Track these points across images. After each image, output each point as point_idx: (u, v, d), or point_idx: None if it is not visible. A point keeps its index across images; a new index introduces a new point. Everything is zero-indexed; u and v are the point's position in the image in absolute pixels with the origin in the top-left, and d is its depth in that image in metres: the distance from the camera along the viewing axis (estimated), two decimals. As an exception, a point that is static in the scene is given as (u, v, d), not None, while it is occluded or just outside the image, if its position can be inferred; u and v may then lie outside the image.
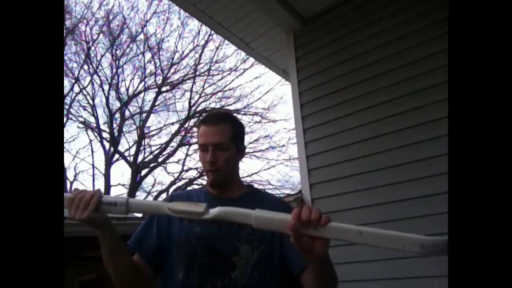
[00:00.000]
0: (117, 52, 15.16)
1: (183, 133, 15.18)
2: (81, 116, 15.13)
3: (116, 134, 15.27)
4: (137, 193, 15.18)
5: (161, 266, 1.17)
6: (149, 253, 1.17)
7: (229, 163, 1.19)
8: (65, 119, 14.20)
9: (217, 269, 1.07)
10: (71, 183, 15.33)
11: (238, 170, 1.28)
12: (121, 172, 27.12)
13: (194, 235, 1.12)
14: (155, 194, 15.24)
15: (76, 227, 4.78)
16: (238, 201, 1.16)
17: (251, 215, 0.87)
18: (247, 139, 15.23)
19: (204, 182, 1.32)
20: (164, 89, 15.52)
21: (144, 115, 15.53)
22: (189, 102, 15.19)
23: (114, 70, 15.28)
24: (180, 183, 14.79)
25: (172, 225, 1.18)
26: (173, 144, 15.21)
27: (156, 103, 15.52)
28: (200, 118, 1.33)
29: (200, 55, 14.96)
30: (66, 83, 14.24)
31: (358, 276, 2.40)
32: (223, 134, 1.16)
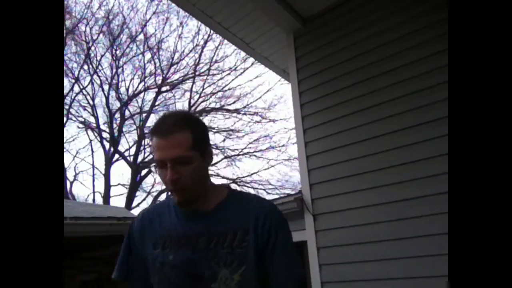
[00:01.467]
0: (117, 52, 15.19)
1: (183, 133, 15.17)
2: (81, 116, 15.15)
3: (116, 134, 15.28)
4: (137, 193, 15.20)
5: None
6: (142, 282, 1.08)
7: (195, 177, 1.01)
8: (65, 119, 14.21)
9: None
10: (71, 183, 15.36)
11: (208, 179, 1.11)
12: (121, 172, 27.18)
13: (168, 264, 1.01)
14: (155, 194, 15.23)
15: (76, 227, 4.79)
16: (212, 215, 1.05)
17: None
18: (246, 139, 15.24)
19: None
20: (164, 89, 15.53)
21: (144, 115, 15.55)
22: (189, 102, 15.20)
23: (114, 70, 15.31)
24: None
25: (146, 250, 1.07)
26: (173, 144, 15.17)
27: (156, 103, 15.54)
28: (152, 126, 1.11)
29: (200, 55, 14.99)
30: (66, 83, 14.27)
31: (357, 276, 2.40)
32: (181, 144, 0.97)
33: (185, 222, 1.06)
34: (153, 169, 1.07)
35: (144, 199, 15.35)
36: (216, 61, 14.89)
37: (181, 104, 16.42)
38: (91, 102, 15.20)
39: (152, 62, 15.28)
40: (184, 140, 0.98)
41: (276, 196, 10.67)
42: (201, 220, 1.05)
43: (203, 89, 15.35)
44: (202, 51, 14.94)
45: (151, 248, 1.06)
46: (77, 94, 14.93)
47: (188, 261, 1.00)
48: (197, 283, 0.98)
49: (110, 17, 14.62)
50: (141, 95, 15.55)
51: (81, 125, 15.23)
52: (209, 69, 15.03)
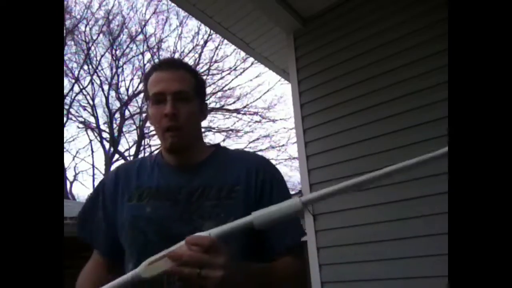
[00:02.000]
0: (117, 52, 15.19)
1: (183, 133, 15.20)
2: (81, 116, 15.15)
3: (116, 134, 15.28)
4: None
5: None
6: (106, 247, 0.97)
7: (193, 120, 0.93)
8: (65, 119, 14.20)
9: None
10: (71, 183, 15.36)
11: (201, 133, 1.02)
12: (121, 172, 27.12)
13: (144, 217, 0.89)
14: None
15: (76, 227, 4.78)
16: (198, 168, 0.94)
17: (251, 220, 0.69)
18: (246, 139, 15.24)
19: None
20: (164, 89, 15.50)
21: (144, 115, 15.54)
22: (189, 102, 15.17)
23: (114, 70, 15.30)
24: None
25: (118, 204, 0.95)
26: (173, 144, 15.19)
27: (156, 103, 15.50)
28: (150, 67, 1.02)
29: (200, 55, 14.99)
30: (66, 83, 14.26)
31: (357, 276, 2.40)
32: (184, 81, 0.92)
33: (167, 174, 0.95)
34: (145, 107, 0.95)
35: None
36: (216, 61, 14.90)
37: (181, 104, 16.36)
38: (91, 102, 15.21)
39: (152, 62, 15.29)
40: (187, 78, 0.93)
41: (276, 196, 10.61)
42: (185, 173, 0.94)
43: (203, 89, 15.33)
44: (202, 51, 14.95)
45: (126, 200, 0.94)
46: (77, 94, 14.94)
47: (167, 215, 0.88)
48: (176, 242, 0.79)
49: (110, 17, 14.63)
50: (141, 95, 15.55)
51: (81, 125, 15.24)
52: (209, 69, 15.03)
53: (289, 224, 0.91)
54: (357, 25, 2.72)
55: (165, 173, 0.96)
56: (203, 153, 0.98)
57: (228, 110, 15.30)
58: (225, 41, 8.24)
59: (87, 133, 15.63)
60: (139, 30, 15.06)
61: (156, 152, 0.98)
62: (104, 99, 15.32)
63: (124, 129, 15.55)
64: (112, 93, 15.47)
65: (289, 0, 2.83)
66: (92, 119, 15.38)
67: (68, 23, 13.56)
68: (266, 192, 0.92)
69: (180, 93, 0.90)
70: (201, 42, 14.89)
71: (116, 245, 0.94)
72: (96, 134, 15.48)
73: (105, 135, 15.49)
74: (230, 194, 0.89)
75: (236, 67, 14.63)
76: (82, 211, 1.02)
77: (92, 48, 14.83)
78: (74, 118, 15.02)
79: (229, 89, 15.15)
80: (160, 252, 0.71)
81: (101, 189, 1.00)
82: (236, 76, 15.05)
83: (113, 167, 15.57)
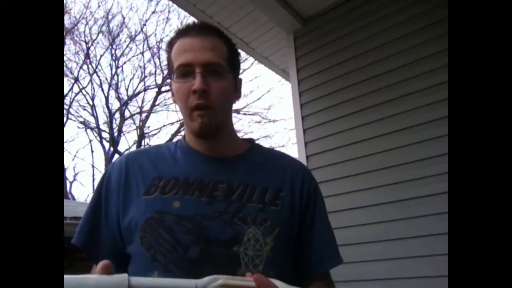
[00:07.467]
0: (117, 52, 15.19)
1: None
2: (81, 116, 15.17)
3: (115, 134, 15.28)
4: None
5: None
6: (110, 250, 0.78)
7: (225, 99, 0.79)
8: (64, 119, 14.21)
9: (213, 267, 0.68)
10: (71, 183, 15.37)
11: (232, 119, 0.89)
12: (121, 172, 27.12)
13: (173, 214, 0.72)
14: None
15: (76, 227, 4.78)
16: (235, 162, 0.81)
17: None
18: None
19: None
20: (164, 89, 15.53)
21: (144, 115, 15.55)
22: (189, 102, 15.15)
23: (114, 70, 15.30)
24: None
25: (130, 199, 0.77)
26: (173, 144, 15.20)
27: (156, 103, 15.54)
28: (176, 32, 0.81)
29: (200, 55, 14.97)
30: (65, 83, 14.26)
31: (358, 276, 2.40)
32: (217, 50, 0.77)
33: (199, 164, 0.80)
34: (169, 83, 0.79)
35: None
36: (216, 61, 14.88)
37: (181, 104, 16.37)
38: (90, 102, 15.22)
39: (152, 61, 15.30)
40: (221, 46, 0.78)
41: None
42: (220, 166, 0.80)
43: (203, 89, 15.32)
44: (202, 51, 14.93)
45: (142, 197, 0.76)
46: (76, 94, 14.95)
47: (203, 213, 0.73)
48: (213, 247, 0.70)
49: (109, 16, 14.65)
50: (141, 95, 15.57)
51: (80, 125, 15.25)
52: (209, 69, 15.01)
53: (334, 238, 0.87)
54: (357, 25, 2.72)
55: (196, 163, 0.80)
56: (238, 145, 0.86)
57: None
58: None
59: (86, 133, 15.67)
60: (139, 29, 15.08)
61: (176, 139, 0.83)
62: (103, 99, 15.34)
63: (124, 129, 15.56)
64: (112, 93, 15.48)
65: (289, 0, 2.84)
66: (91, 119, 15.40)
67: (67, 23, 13.58)
68: (310, 208, 0.83)
69: (212, 65, 0.75)
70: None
71: (120, 254, 0.77)
72: (95, 134, 15.49)
73: (104, 135, 15.50)
74: (275, 200, 0.78)
75: (236, 67, 14.63)
76: (84, 214, 0.83)
77: (92, 48, 14.84)
78: (73, 118, 15.03)
79: (229, 89, 15.15)
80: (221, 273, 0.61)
81: (103, 183, 0.82)
82: (236, 76, 15.07)
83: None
